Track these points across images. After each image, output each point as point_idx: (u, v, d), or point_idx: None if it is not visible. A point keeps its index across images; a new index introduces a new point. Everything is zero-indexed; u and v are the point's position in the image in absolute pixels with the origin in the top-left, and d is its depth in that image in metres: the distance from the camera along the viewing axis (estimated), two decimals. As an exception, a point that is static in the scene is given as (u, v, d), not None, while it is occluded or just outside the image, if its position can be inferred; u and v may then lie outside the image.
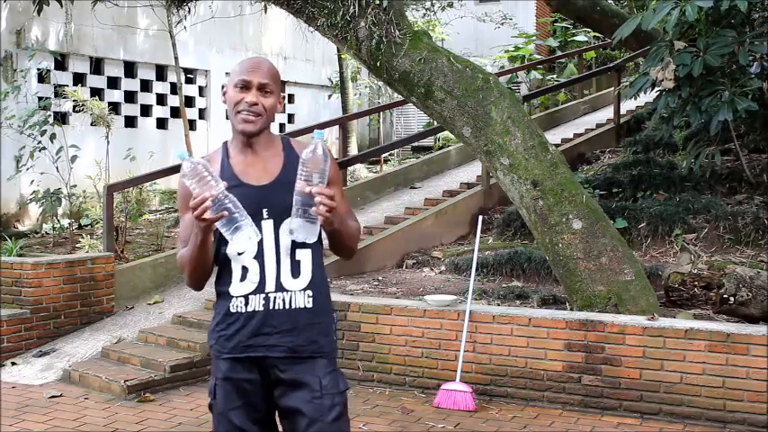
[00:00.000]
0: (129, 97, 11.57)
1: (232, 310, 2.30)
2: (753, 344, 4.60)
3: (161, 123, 12.04)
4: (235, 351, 2.30)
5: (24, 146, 8.90)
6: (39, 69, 10.04)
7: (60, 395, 5.55)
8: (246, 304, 2.29)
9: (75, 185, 9.06)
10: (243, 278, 2.29)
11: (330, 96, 14.80)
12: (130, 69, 11.59)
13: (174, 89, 11.70)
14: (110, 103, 10.56)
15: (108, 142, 9.25)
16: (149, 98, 11.84)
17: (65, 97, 9.66)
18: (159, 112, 11.98)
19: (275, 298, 2.28)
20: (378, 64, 5.93)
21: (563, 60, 15.69)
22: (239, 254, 2.30)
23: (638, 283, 5.52)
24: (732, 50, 6.11)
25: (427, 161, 11.62)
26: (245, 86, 2.34)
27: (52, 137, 8.73)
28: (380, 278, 7.25)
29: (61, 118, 10.22)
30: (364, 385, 5.56)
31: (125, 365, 5.94)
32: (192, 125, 12.03)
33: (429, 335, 5.42)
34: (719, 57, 6.07)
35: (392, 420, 4.87)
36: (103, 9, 9.92)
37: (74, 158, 8.80)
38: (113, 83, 11.32)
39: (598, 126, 11.69)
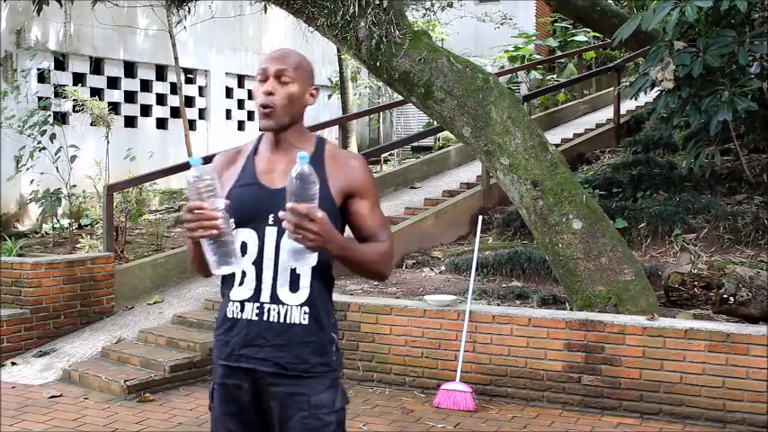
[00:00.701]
0: (129, 97, 11.57)
1: (229, 314, 2.22)
2: (753, 344, 4.60)
3: (161, 123, 12.04)
4: (229, 359, 2.23)
5: (24, 146, 8.90)
6: (39, 69, 10.04)
7: (60, 395, 5.55)
8: (242, 311, 2.20)
9: (74, 185, 9.06)
10: (241, 283, 2.20)
11: (330, 96, 14.80)
12: (130, 69, 11.59)
13: (174, 89, 11.70)
14: (110, 103, 10.56)
15: (108, 142, 9.25)
16: (149, 98, 11.84)
17: (65, 97, 9.66)
18: (159, 112, 11.98)
19: (269, 309, 2.17)
20: (378, 64, 5.93)
21: (563, 60, 15.69)
22: (242, 255, 2.19)
23: (638, 283, 5.52)
24: (732, 50, 6.11)
25: (427, 161, 11.62)
26: (263, 77, 2.21)
27: (52, 137, 8.73)
28: (380, 278, 7.23)
29: (61, 118, 10.22)
30: (364, 385, 5.56)
31: (125, 365, 5.94)
32: (191, 125, 12.02)
33: (429, 335, 5.42)
34: (719, 57, 6.07)
35: (392, 420, 4.87)
36: (103, 9, 9.93)
37: (74, 158, 8.80)
38: (113, 83, 11.32)
39: (598, 126, 11.69)
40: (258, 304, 2.18)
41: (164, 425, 4.91)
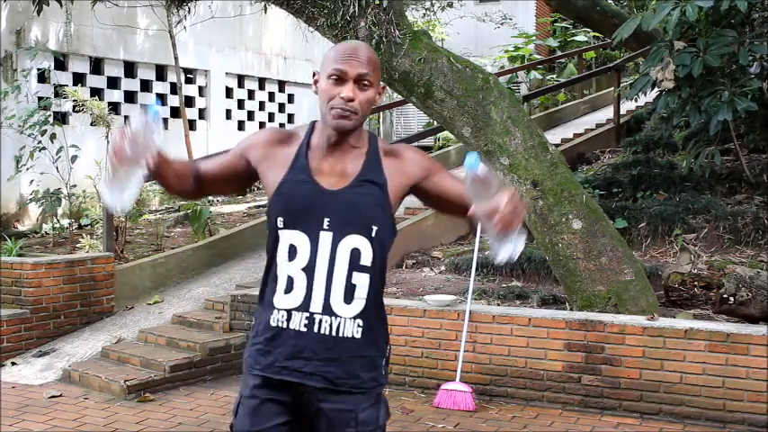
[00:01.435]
0: (129, 97, 11.57)
1: (272, 323, 2.06)
2: (753, 344, 4.60)
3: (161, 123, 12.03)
4: (268, 370, 2.06)
5: (24, 146, 8.90)
6: (39, 69, 10.04)
7: (60, 395, 5.54)
8: (288, 320, 2.04)
9: (74, 185, 9.05)
10: (288, 290, 2.04)
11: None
12: (130, 69, 11.58)
13: (174, 89, 11.70)
14: (110, 103, 10.55)
15: (108, 142, 9.22)
16: (149, 98, 11.83)
17: (65, 97, 9.65)
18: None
19: (321, 320, 2.03)
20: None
21: (563, 60, 15.68)
22: (289, 260, 2.05)
23: (638, 283, 5.52)
24: (732, 50, 6.11)
25: (427, 161, 11.60)
26: (340, 78, 2.04)
27: (52, 137, 8.73)
28: (380, 278, 7.24)
29: (61, 118, 10.22)
30: (364, 385, 5.55)
31: (125, 365, 5.94)
32: (191, 125, 12.02)
33: (429, 335, 5.42)
34: (719, 57, 6.07)
35: (392, 420, 4.84)
36: (103, 9, 9.92)
37: (74, 158, 8.80)
38: (113, 83, 11.31)
39: (598, 126, 11.69)
40: (308, 314, 2.03)
41: (164, 425, 4.91)
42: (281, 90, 14.25)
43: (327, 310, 2.03)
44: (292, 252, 2.04)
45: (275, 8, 7.03)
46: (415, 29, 6.18)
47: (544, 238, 5.70)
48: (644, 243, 7.38)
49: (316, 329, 2.03)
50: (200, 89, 12.67)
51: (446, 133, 12.11)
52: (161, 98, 11.86)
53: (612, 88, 11.98)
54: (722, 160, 7.54)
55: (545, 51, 16.75)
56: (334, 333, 2.03)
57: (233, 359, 6.07)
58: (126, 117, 11.38)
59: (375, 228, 2.07)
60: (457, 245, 8.34)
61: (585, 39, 16.14)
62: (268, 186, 2.11)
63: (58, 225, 9.29)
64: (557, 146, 9.43)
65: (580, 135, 11.23)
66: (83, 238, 8.30)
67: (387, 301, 5.79)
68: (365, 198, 2.07)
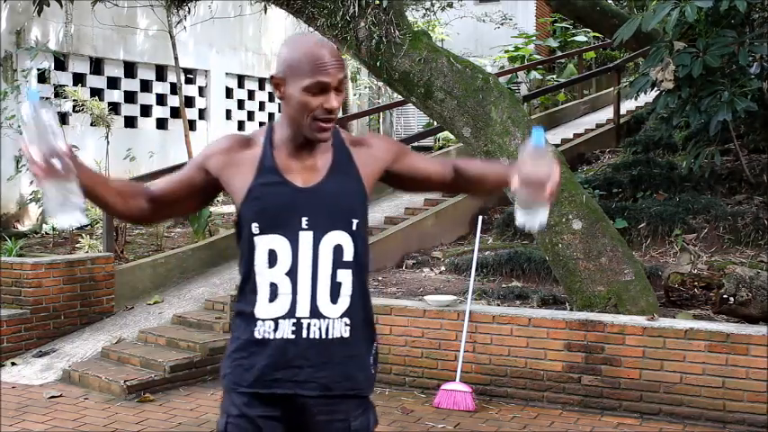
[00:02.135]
0: (129, 97, 11.57)
1: (257, 335, 1.95)
2: (753, 344, 4.60)
3: (161, 123, 12.04)
4: (257, 385, 1.95)
5: (24, 146, 8.89)
6: (39, 69, 10.04)
7: (60, 395, 5.55)
8: (275, 330, 1.94)
9: (75, 185, 9.05)
10: (272, 298, 1.94)
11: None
12: (130, 69, 11.59)
13: (174, 89, 11.70)
14: (110, 104, 10.57)
15: (108, 142, 9.25)
16: (149, 98, 11.84)
17: (65, 97, 9.66)
18: (159, 112, 11.98)
19: (309, 325, 1.93)
20: (378, 64, 5.93)
21: (563, 60, 15.68)
22: (270, 266, 1.95)
23: (638, 284, 5.52)
24: (732, 51, 6.11)
25: (427, 161, 11.60)
26: (324, 89, 1.93)
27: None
28: (380, 278, 7.24)
29: (61, 118, 10.22)
30: (364, 385, 5.55)
31: (125, 365, 5.94)
32: (191, 125, 12.02)
33: (429, 335, 5.42)
34: (719, 57, 6.07)
35: (392, 420, 4.87)
36: (103, 9, 9.93)
37: (74, 158, 8.79)
38: (113, 83, 11.32)
39: (598, 126, 11.69)
40: (295, 320, 1.94)
41: (164, 425, 4.91)
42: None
43: (315, 312, 1.94)
44: (272, 257, 1.95)
45: (275, 8, 7.03)
46: (415, 29, 6.18)
47: (544, 239, 5.70)
48: (644, 243, 7.38)
49: (304, 335, 1.94)
50: (201, 89, 12.67)
51: (446, 133, 12.12)
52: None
53: (612, 88, 11.98)
54: (722, 160, 7.54)
55: (545, 51, 16.75)
56: (323, 336, 1.95)
57: (233, 359, 6.06)
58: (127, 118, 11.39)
59: (356, 221, 2.00)
60: (457, 245, 8.33)
61: (585, 39, 16.15)
62: (236, 193, 1.99)
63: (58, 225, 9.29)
64: (557, 146, 9.44)
65: (580, 135, 11.23)
66: (83, 238, 8.30)
67: (387, 301, 5.81)
68: (342, 191, 2.00)
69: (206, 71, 12.62)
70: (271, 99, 14.05)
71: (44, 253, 8.07)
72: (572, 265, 5.57)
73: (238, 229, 2.02)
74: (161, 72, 12.00)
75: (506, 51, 15.34)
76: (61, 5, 9.03)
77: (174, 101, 11.95)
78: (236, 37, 13.04)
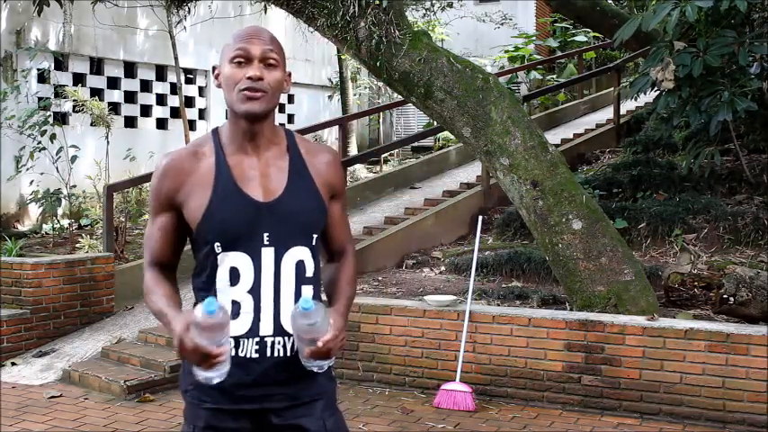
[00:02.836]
0: (129, 97, 11.58)
1: None
2: (753, 344, 4.60)
3: (161, 123, 12.05)
4: (222, 402, 1.91)
5: (24, 146, 8.91)
6: (39, 69, 10.04)
7: (60, 395, 5.55)
8: (237, 347, 1.89)
9: (74, 186, 9.06)
10: (234, 316, 1.88)
11: (331, 97, 14.80)
12: (130, 69, 11.59)
13: (174, 89, 11.71)
14: (110, 104, 10.57)
15: (108, 142, 9.25)
16: (149, 98, 11.84)
17: (65, 97, 9.66)
18: (159, 112, 11.98)
19: (273, 343, 1.90)
20: (378, 64, 5.93)
21: (563, 60, 15.69)
22: (231, 285, 1.91)
23: (638, 284, 5.52)
24: (732, 51, 6.11)
25: (427, 161, 11.63)
26: (246, 59, 1.90)
27: (52, 137, 8.73)
28: (380, 278, 7.25)
29: (61, 118, 10.22)
30: (364, 385, 5.56)
31: (125, 365, 5.94)
32: (191, 125, 12.03)
33: (429, 335, 5.42)
34: (719, 57, 6.07)
35: (392, 420, 4.87)
36: (103, 9, 9.93)
37: (74, 159, 8.81)
38: (113, 83, 11.32)
39: (598, 126, 11.69)
40: (258, 338, 1.90)
41: (164, 425, 4.91)
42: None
43: (278, 330, 1.91)
44: (234, 275, 1.89)
45: (275, 8, 7.03)
46: (415, 29, 6.18)
47: (544, 239, 5.70)
48: (644, 243, 7.38)
49: (269, 353, 1.91)
50: (201, 89, 12.67)
51: (446, 133, 12.12)
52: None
53: (612, 88, 11.98)
54: (722, 160, 7.54)
55: (545, 52, 16.76)
56: (288, 353, 1.91)
57: (233, 359, 6.07)
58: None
59: (315, 236, 1.98)
60: (457, 245, 8.34)
61: (585, 39, 16.15)
62: (194, 211, 1.90)
63: (57, 225, 9.30)
64: (557, 146, 9.43)
65: (580, 135, 11.24)
66: (83, 238, 8.30)
67: (387, 301, 5.81)
68: (304, 205, 1.95)
69: (206, 71, 12.62)
70: (271, 99, 14.03)
71: (44, 253, 8.07)
72: (572, 265, 5.57)
73: (196, 246, 1.96)
74: (161, 72, 12.00)
75: (506, 51, 15.35)
76: (61, 5, 9.03)
77: (174, 101, 11.95)
78: (236, 37, 13.02)
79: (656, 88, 6.70)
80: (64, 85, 10.00)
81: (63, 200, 9.11)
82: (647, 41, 9.28)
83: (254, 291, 1.90)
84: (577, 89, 14.55)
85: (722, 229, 7.23)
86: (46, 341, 6.55)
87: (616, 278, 5.49)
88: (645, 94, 7.01)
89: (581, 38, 16.20)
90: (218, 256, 1.90)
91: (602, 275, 5.50)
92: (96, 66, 11.02)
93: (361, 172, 12.27)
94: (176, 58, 10.61)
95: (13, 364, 6.23)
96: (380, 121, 15.93)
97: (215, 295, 1.90)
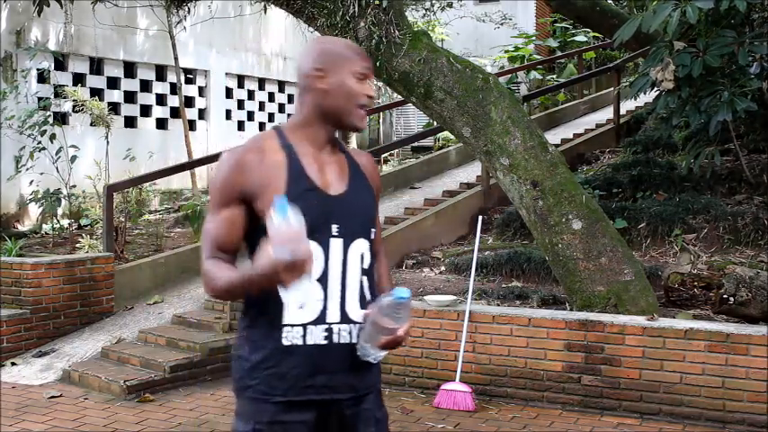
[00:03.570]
0: (129, 97, 11.57)
1: (285, 342, 1.94)
2: (752, 344, 4.60)
3: (161, 123, 12.04)
4: (290, 393, 1.96)
5: (24, 146, 8.91)
6: (39, 69, 10.04)
7: (60, 395, 5.55)
8: (304, 336, 1.95)
9: (74, 186, 9.06)
10: (302, 304, 1.96)
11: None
12: (130, 69, 11.59)
13: (174, 89, 11.70)
14: (109, 104, 10.57)
15: (108, 142, 9.25)
16: (149, 98, 11.84)
17: (65, 97, 9.66)
18: (159, 112, 11.98)
19: (339, 330, 1.98)
20: (378, 64, 5.93)
21: (563, 60, 15.69)
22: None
23: (638, 284, 5.52)
24: (732, 51, 6.10)
25: (427, 161, 11.63)
26: (366, 77, 2.03)
27: (52, 137, 8.73)
28: (380, 278, 7.24)
29: (61, 118, 10.22)
30: (364, 385, 5.55)
31: (125, 365, 5.95)
32: (191, 125, 12.03)
33: (429, 335, 5.42)
34: (719, 57, 6.07)
35: (392, 420, 4.83)
36: (103, 9, 9.93)
37: (73, 159, 8.81)
38: (113, 83, 11.32)
39: (598, 126, 11.69)
40: (325, 326, 1.97)
41: (164, 425, 4.91)
42: (281, 90, 14.26)
43: (345, 318, 1.99)
44: None
45: (275, 8, 7.03)
46: (415, 29, 6.18)
47: (544, 239, 5.70)
48: (644, 243, 7.38)
49: (336, 340, 1.98)
50: (200, 89, 12.67)
51: (446, 133, 12.12)
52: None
53: (612, 88, 11.98)
54: (722, 160, 7.53)
55: (545, 52, 16.76)
56: (352, 340, 2.00)
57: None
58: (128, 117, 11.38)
59: (373, 230, 2.09)
60: (457, 245, 8.34)
61: (585, 39, 16.15)
62: (269, 203, 1.91)
63: (57, 225, 9.30)
64: (556, 146, 9.43)
65: (580, 135, 11.24)
66: (83, 238, 8.30)
67: (387, 301, 5.80)
68: (365, 201, 2.08)
69: (206, 71, 12.62)
70: (271, 99, 14.04)
71: (44, 253, 8.07)
72: (572, 265, 5.57)
73: (265, 239, 1.93)
74: (161, 72, 12.00)
75: (506, 51, 15.35)
76: (61, 5, 9.03)
77: (173, 101, 11.95)
78: (236, 37, 13.04)
79: (655, 88, 6.70)
80: (64, 85, 10.00)
81: (63, 200, 9.11)
82: (647, 41, 9.28)
83: (323, 280, 1.97)
84: (577, 89, 14.55)
85: (722, 229, 7.22)
86: (46, 341, 6.55)
87: (616, 278, 5.49)
88: (645, 94, 7.01)
89: (581, 38, 16.20)
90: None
91: (602, 275, 5.50)
92: (96, 66, 11.01)
93: (361, 172, 12.25)
94: (176, 58, 10.61)
95: (13, 364, 6.23)
96: (380, 120, 15.94)
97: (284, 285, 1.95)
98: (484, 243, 7.68)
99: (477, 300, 6.16)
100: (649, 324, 4.85)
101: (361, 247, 2.04)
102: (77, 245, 8.22)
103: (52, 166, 8.77)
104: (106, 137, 9.29)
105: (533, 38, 15.86)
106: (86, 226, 9.51)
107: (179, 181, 11.30)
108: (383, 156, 12.79)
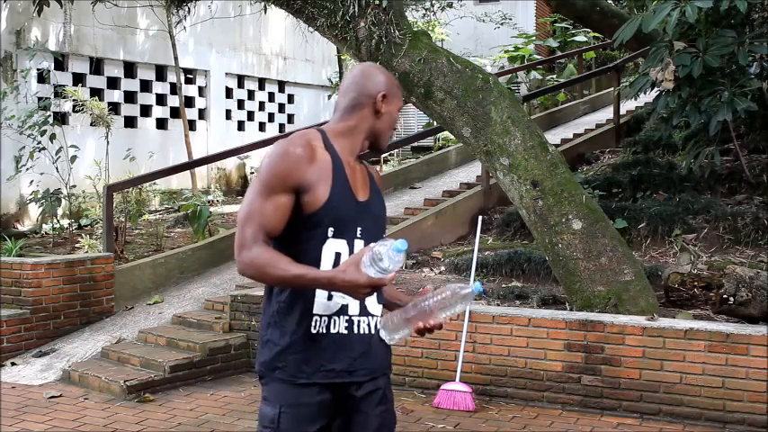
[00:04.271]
0: (129, 97, 11.58)
1: (313, 330, 2.16)
2: (752, 344, 4.60)
3: (161, 124, 12.05)
4: (316, 377, 2.17)
5: (24, 146, 8.91)
6: (39, 69, 10.04)
7: (60, 395, 5.55)
8: (329, 325, 2.18)
9: (74, 186, 9.07)
10: (330, 297, 2.16)
11: (330, 97, 14.80)
12: (130, 69, 11.59)
13: (174, 89, 11.71)
14: (109, 104, 10.57)
15: (108, 142, 9.26)
16: (149, 98, 11.84)
17: (65, 97, 9.67)
18: (159, 112, 11.98)
19: (359, 322, 2.22)
20: (378, 64, 5.92)
21: (563, 60, 15.69)
22: (333, 267, 2.21)
23: (638, 284, 5.52)
24: (732, 51, 6.10)
25: (427, 161, 11.63)
26: (400, 108, 2.40)
27: (52, 137, 8.73)
28: (380, 278, 7.23)
29: (61, 118, 10.22)
30: (364, 385, 5.56)
31: (125, 365, 5.94)
32: (191, 125, 12.03)
33: (429, 335, 5.41)
34: (719, 57, 6.07)
35: (392, 420, 4.86)
36: (103, 9, 9.93)
37: (73, 159, 8.81)
38: (113, 83, 11.32)
39: (598, 126, 11.69)
40: (347, 317, 2.20)
41: (164, 425, 4.91)
42: (281, 90, 14.26)
43: (364, 311, 2.22)
44: (337, 259, 2.17)
45: (275, 8, 7.03)
46: (415, 29, 6.18)
47: (544, 239, 5.70)
48: (644, 243, 7.37)
49: (356, 330, 2.20)
50: (200, 89, 12.67)
51: (446, 133, 12.12)
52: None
53: (612, 88, 11.98)
54: (722, 160, 7.53)
55: (545, 52, 16.76)
56: (371, 331, 2.23)
57: (233, 359, 6.07)
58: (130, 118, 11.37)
59: (385, 234, 2.33)
60: (457, 245, 8.33)
61: (585, 39, 16.15)
62: (318, 197, 2.15)
63: (57, 225, 9.30)
64: (556, 146, 9.43)
65: (580, 135, 11.24)
66: (82, 238, 8.30)
67: (387, 301, 5.81)
68: (381, 208, 2.35)
69: (206, 71, 12.63)
70: (271, 99, 14.05)
71: (44, 253, 8.07)
72: (572, 265, 5.57)
73: (303, 229, 2.16)
74: (161, 72, 12.00)
75: (506, 51, 15.34)
76: (61, 5, 9.04)
77: (173, 101, 11.95)
78: (236, 37, 13.04)
79: (655, 88, 6.70)
80: (64, 85, 10.00)
81: (63, 200, 9.12)
82: (647, 41, 9.28)
83: None
84: (577, 89, 14.54)
85: (722, 229, 7.22)
86: (46, 341, 6.55)
87: (616, 278, 5.49)
88: (645, 94, 7.01)
89: (581, 38, 16.19)
90: (328, 240, 2.17)
91: (602, 275, 5.50)
92: (96, 66, 11.02)
93: (360, 172, 12.25)
94: (176, 58, 10.61)
95: (13, 364, 6.23)
96: (380, 121, 15.91)
97: None
98: (484, 243, 7.68)
99: (478, 300, 6.16)
100: (649, 324, 4.85)
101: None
102: (77, 245, 8.22)
103: (52, 167, 8.78)
104: (106, 137, 9.29)
105: (533, 38, 15.85)
106: (86, 226, 9.52)
107: (179, 181, 11.30)
108: (383, 156, 12.78)
